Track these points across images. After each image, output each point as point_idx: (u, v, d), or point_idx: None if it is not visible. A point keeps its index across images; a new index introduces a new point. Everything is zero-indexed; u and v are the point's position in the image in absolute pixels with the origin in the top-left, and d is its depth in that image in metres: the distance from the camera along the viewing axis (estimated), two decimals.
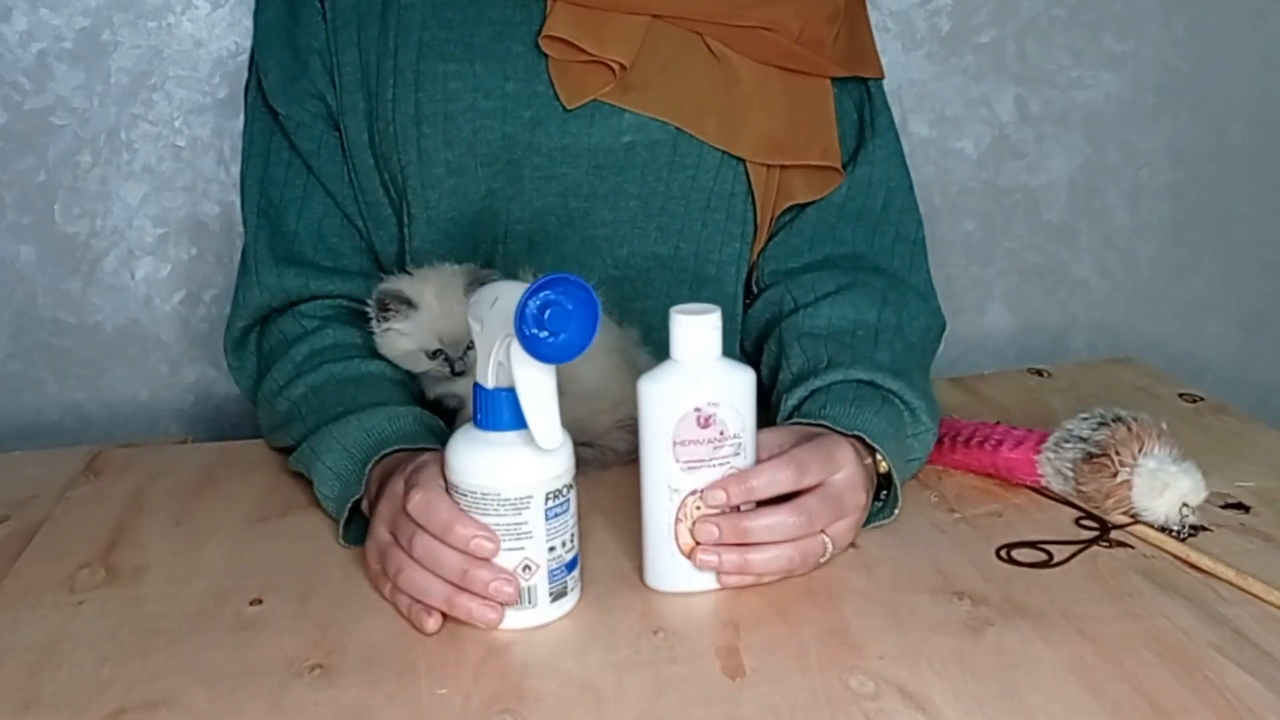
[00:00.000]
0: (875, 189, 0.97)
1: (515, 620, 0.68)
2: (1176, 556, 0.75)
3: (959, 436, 0.87)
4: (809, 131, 0.94)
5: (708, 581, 0.72)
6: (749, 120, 0.92)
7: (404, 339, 0.86)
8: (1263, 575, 0.71)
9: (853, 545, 0.77)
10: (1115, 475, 0.78)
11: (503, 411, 0.66)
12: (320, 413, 0.84)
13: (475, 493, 0.66)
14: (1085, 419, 0.81)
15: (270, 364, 0.91)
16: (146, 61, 1.18)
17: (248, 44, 1.17)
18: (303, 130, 0.93)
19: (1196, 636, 0.66)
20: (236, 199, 1.18)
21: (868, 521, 0.77)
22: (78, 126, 1.18)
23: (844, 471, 0.73)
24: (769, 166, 0.94)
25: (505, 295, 0.64)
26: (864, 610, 0.70)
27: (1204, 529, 0.78)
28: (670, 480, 0.70)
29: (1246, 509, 0.81)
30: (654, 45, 0.89)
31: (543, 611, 0.69)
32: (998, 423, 0.88)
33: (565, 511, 0.68)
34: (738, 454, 0.70)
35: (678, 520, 0.70)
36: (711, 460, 0.69)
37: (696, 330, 0.68)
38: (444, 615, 0.68)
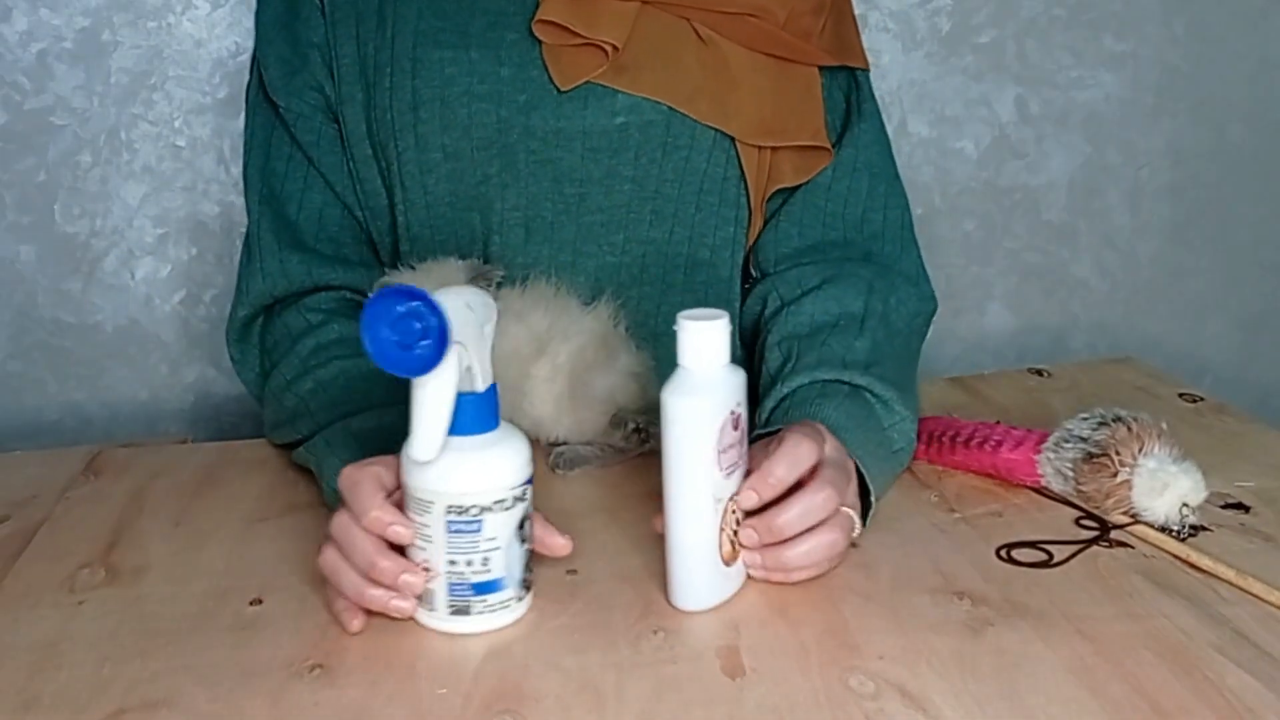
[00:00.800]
0: (860, 172, 0.98)
1: (425, 617, 0.68)
2: (1176, 556, 0.75)
3: (959, 436, 0.87)
4: (799, 116, 0.95)
5: (735, 585, 0.71)
6: (740, 102, 0.93)
7: None
8: (1263, 575, 0.71)
9: (853, 545, 0.77)
10: (1115, 475, 0.78)
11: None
12: (331, 408, 0.84)
13: (402, 481, 0.67)
14: (1085, 419, 0.81)
15: (276, 359, 0.91)
16: (146, 61, 1.18)
17: (248, 44, 1.18)
18: (302, 122, 0.94)
19: (1196, 636, 0.66)
20: (237, 199, 1.19)
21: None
22: (78, 126, 1.18)
23: (829, 442, 0.74)
24: (760, 149, 0.95)
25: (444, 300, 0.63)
26: (864, 610, 0.70)
27: (1204, 529, 0.78)
28: (716, 490, 0.68)
29: (1246, 509, 0.81)
30: (644, 30, 0.91)
31: (439, 620, 0.68)
32: (998, 422, 0.88)
33: (475, 532, 0.66)
34: (746, 449, 0.71)
35: (721, 529, 0.69)
36: (739, 462, 0.69)
37: (715, 336, 0.67)
38: (368, 613, 0.68)
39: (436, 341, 0.62)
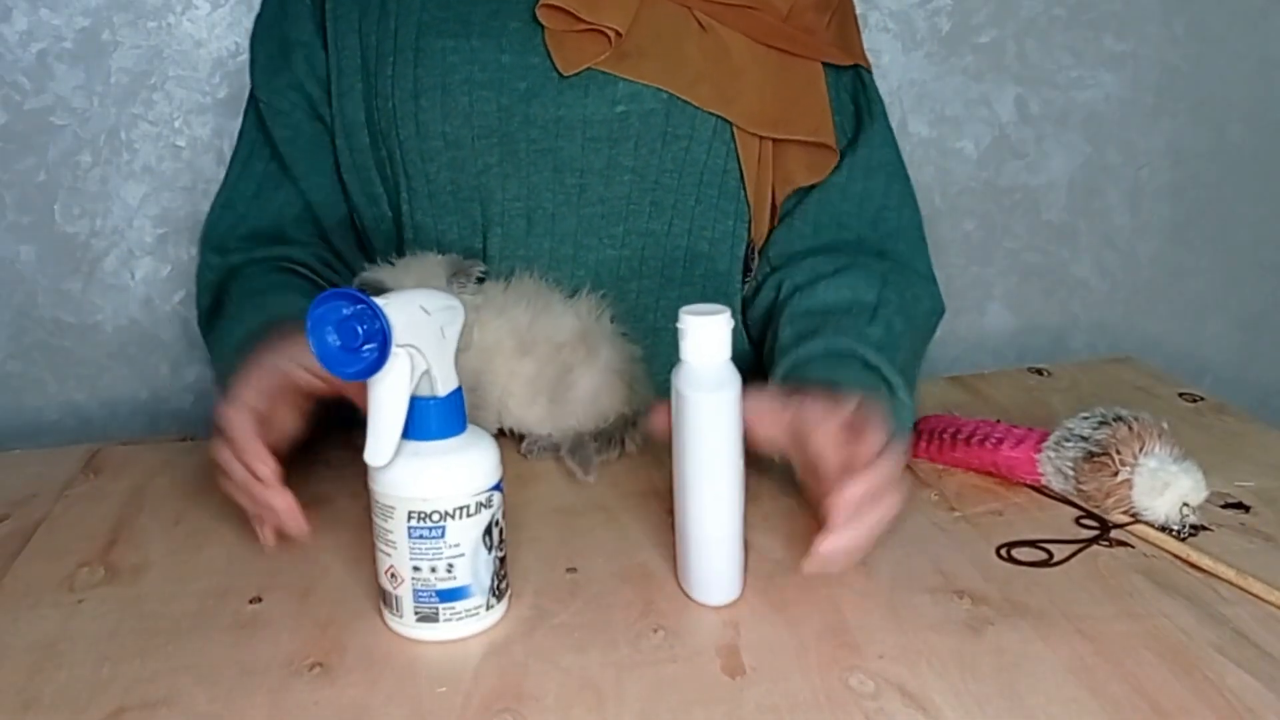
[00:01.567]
0: (875, 172, 0.98)
1: (392, 622, 0.68)
2: (1177, 556, 0.75)
3: (959, 435, 0.87)
4: (800, 109, 0.95)
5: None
6: (741, 91, 0.93)
7: None
8: (1263, 575, 0.71)
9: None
10: (1116, 474, 0.78)
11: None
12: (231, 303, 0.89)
13: (369, 485, 0.67)
14: (1086, 418, 0.81)
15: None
16: (146, 61, 1.18)
17: (248, 44, 1.18)
18: (280, 118, 0.97)
19: (1196, 636, 0.66)
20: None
21: None
22: (78, 126, 1.18)
23: (845, 392, 0.73)
24: (761, 139, 0.95)
25: (392, 303, 0.62)
26: (864, 610, 0.70)
27: (1204, 529, 0.78)
28: (741, 481, 0.69)
29: (1246, 509, 0.81)
30: (646, 17, 0.91)
31: (406, 626, 0.68)
32: (998, 421, 0.88)
33: (437, 538, 0.65)
34: None
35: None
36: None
37: (722, 331, 0.66)
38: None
39: (380, 345, 0.61)
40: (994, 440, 0.85)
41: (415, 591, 0.67)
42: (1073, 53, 1.34)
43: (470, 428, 0.68)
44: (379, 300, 0.61)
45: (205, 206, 1.21)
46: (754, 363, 0.97)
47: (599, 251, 0.95)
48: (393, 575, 0.67)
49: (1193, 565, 0.74)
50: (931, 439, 0.88)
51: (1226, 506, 0.81)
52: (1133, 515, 0.79)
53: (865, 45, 1.02)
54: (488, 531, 0.67)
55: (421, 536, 0.65)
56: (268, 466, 0.71)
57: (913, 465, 0.89)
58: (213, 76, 1.19)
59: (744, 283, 1.00)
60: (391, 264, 0.89)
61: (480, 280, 0.88)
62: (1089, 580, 0.72)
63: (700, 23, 0.92)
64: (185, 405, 1.26)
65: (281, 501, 0.72)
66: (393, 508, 0.65)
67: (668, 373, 0.68)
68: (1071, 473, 0.80)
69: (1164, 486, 0.77)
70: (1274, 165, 1.42)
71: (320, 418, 0.83)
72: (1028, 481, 0.84)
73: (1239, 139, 1.40)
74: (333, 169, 0.98)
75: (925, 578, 0.73)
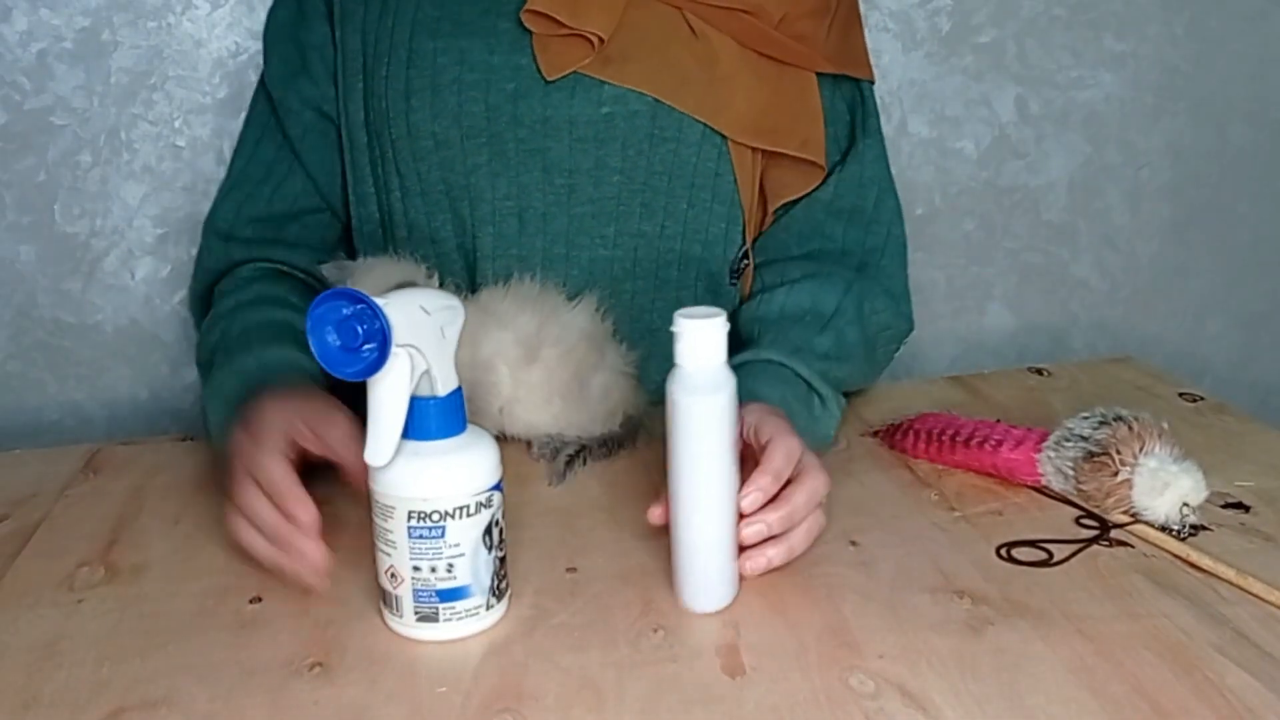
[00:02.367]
0: (866, 188, 0.98)
1: (391, 622, 0.68)
2: (1177, 556, 0.75)
3: (959, 435, 0.87)
4: (790, 120, 0.95)
5: (738, 584, 0.72)
6: (730, 97, 0.93)
7: None
8: (1263, 575, 0.71)
9: (853, 544, 0.77)
10: (1116, 474, 0.78)
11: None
12: (224, 343, 0.88)
13: (369, 485, 0.67)
14: (1086, 418, 0.81)
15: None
16: (146, 61, 1.18)
17: (248, 44, 1.18)
18: (292, 116, 0.98)
19: (1196, 636, 0.66)
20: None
21: None
22: (78, 126, 1.18)
23: (778, 415, 0.75)
24: (752, 150, 0.95)
25: (392, 303, 0.62)
26: (864, 610, 0.70)
27: (1204, 529, 0.78)
28: (733, 488, 0.68)
29: (1246, 509, 0.81)
30: (634, 20, 0.91)
31: (406, 626, 0.68)
32: (998, 421, 0.88)
33: (437, 538, 0.65)
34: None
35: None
36: (738, 458, 0.69)
37: (717, 335, 0.66)
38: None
39: (380, 345, 0.61)
40: (994, 442, 0.85)
41: (415, 591, 0.66)
42: (1073, 53, 1.34)
43: (470, 427, 0.68)
44: (379, 300, 0.61)
45: (205, 206, 1.21)
46: None
47: (591, 251, 0.95)
48: (393, 575, 0.67)
49: (1193, 565, 0.73)
50: (931, 440, 0.88)
51: (1226, 506, 0.81)
52: (1133, 515, 0.79)
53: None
54: (488, 531, 0.67)
55: (421, 536, 0.65)
56: (310, 514, 0.69)
57: (913, 465, 0.89)
58: (213, 76, 1.19)
59: (733, 284, 1.00)
60: (351, 261, 0.92)
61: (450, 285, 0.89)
62: (1089, 580, 0.72)
63: (691, 26, 0.92)
64: (185, 405, 1.26)
65: (316, 551, 0.69)
66: (392, 508, 0.65)
67: (664, 374, 0.68)
68: (1071, 473, 0.80)
69: (1164, 486, 0.77)
70: (1274, 165, 1.42)
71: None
72: (1028, 482, 0.84)
73: (1239, 139, 1.40)
74: (338, 166, 0.99)
75: (925, 578, 0.73)
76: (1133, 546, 0.76)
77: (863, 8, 1.04)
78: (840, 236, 0.98)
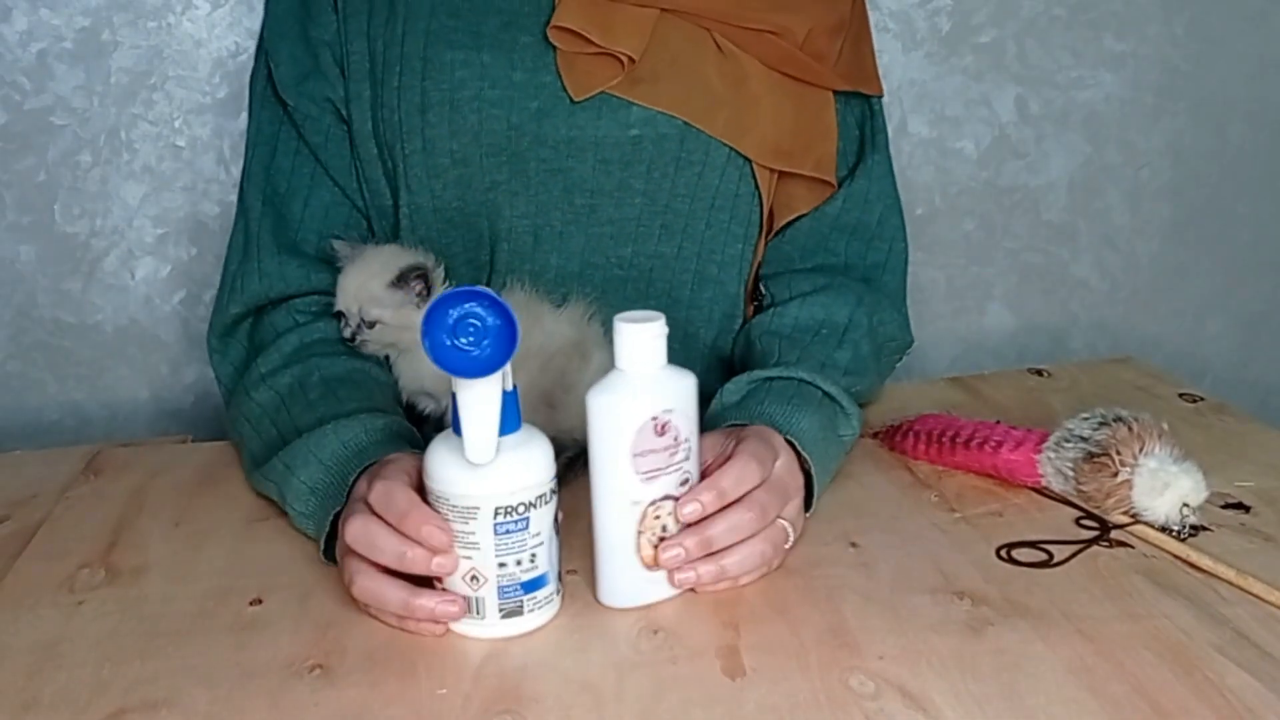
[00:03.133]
0: (872, 204, 0.98)
1: (466, 627, 0.68)
2: (1177, 556, 0.75)
3: (959, 437, 0.87)
4: (807, 140, 0.95)
5: (666, 590, 0.71)
6: (757, 120, 0.92)
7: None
8: (1263, 575, 0.71)
9: (853, 545, 0.77)
10: (1116, 475, 0.78)
11: (457, 415, 0.65)
12: (308, 409, 0.83)
13: (433, 493, 0.66)
14: (1086, 419, 0.81)
15: (256, 353, 0.90)
16: (146, 61, 1.18)
17: (248, 44, 1.18)
18: (310, 123, 0.93)
19: (1196, 636, 0.66)
20: (236, 199, 1.18)
21: None
22: (78, 126, 1.18)
23: (781, 457, 0.74)
24: (770, 170, 0.95)
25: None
26: (864, 610, 0.70)
27: (1204, 529, 0.78)
28: (631, 493, 0.69)
29: (1246, 509, 0.81)
30: (663, 39, 0.89)
31: (490, 626, 0.68)
32: (998, 422, 0.88)
33: (522, 530, 0.66)
34: (688, 458, 0.70)
35: (639, 533, 0.69)
36: (668, 467, 0.69)
37: (645, 339, 0.67)
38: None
39: (507, 341, 0.62)
40: (994, 442, 0.85)
41: (500, 588, 0.67)
42: (1073, 53, 1.34)
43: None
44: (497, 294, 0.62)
45: (205, 206, 1.22)
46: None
47: (606, 271, 0.93)
48: (474, 577, 0.67)
49: (1193, 565, 0.74)
50: (931, 442, 0.88)
51: (1226, 506, 0.81)
52: (1133, 516, 0.79)
53: None
54: (555, 517, 0.68)
55: (508, 531, 0.66)
56: (448, 534, 0.66)
57: (913, 467, 0.89)
58: (213, 76, 1.19)
59: (751, 304, 1.00)
60: (363, 243, 0.89)
61: (424, 282, 0.86)
62: (1089, 581, 0.72)
63: (719, 46, 0.91)
64: (185, 405, 1.26)
65: (451, 565, 0.66)
66: (476, 508, 0.65)
67: None
68: (1071, 473, 0.80)
69: (1164, 487, 0.77)
70: (1274, 165, 1.42)
71: None
72: (1028, 483, 0.84)
73: (1239, 139, 1.40)
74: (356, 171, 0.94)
75: (925, 578, 0.73)
76: (1133, 547, 0.76)
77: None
78: (844, 251, 0.97)
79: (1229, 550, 0.75)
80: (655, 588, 0.71)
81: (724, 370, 0.99)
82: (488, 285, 0.91)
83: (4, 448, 1.07)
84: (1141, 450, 0.78)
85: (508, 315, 0.62)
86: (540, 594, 0.68)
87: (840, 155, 0.97)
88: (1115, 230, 1.41)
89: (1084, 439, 0.80)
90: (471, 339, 0.62)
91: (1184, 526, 0.77)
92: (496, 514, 0.65)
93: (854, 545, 0.77)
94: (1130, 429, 0.78)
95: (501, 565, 0.66)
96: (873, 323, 0.93)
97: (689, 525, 0.70)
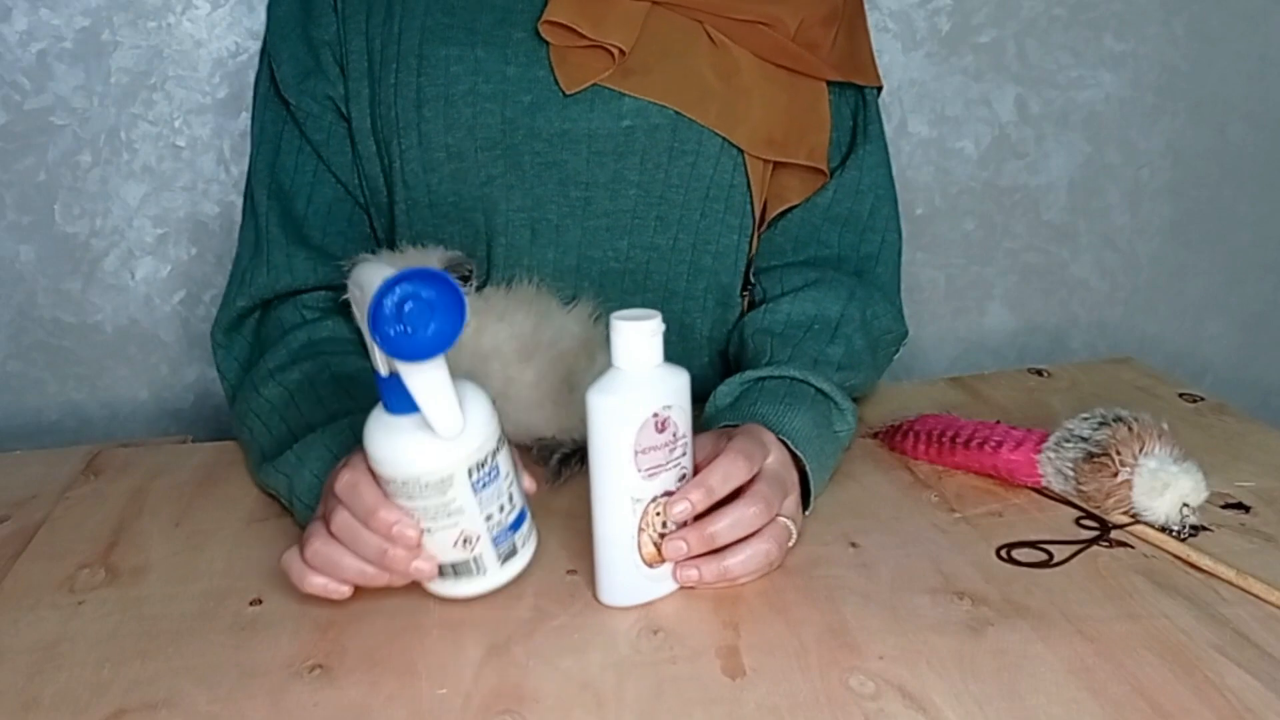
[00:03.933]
0: (863, 194, 0.98)
1: (469, 588, 0.68)
2: (1177, 556, 0.75)
3: (959, 437, 0.87)
4: (800, 131, 0.95)
5: (667, 587, 0.72)
6: (749, 110, 0.92)
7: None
8: (1263, 575, 0.71)
9: (853, 545, 0.77)
10: (1116, 475, 0.78)
11: (403, 395, 0.63)
12: (317, 405, 0.83)
13: (397, 480, 0.65)
14: (1086, 419, 0.81)
15: (264, 349, 0.90)
16: (146, 61, 1.18)
17: (248, 44, 1.18)
18: (312, 121, 0.94)
19: (1196, 636, 0.66)
20: (237, 199, 1.18)
21: None
22: (78, 126, 1.18)
23: (773, 454, 0.74)
24: (763, 161, 0.95)
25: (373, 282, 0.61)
26: (864, 610, 0.70)
27: (1204, 529, 0.78)
28: (633, 491, 0.69)
29: (1246, 509, 0.81)
30: (654, 31, 0.90)
31: (494, 576, 0.68)
32: (998, 422, 0.88)
33: (495, 478, 0.66)
34: (685, 454, 0.70)
35: (640, 530, 0.70)
36: (668, 464, 0.69)
37: (644, 337, 0.67)
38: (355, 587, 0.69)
39: (456, 307, 0.61)
40: (994, 443, 0.85)
41: (494, 539, 0.67)
42: (1073, 53, 1.34)
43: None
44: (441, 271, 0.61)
45: (205, 206, 1.22)
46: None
47: (603, 264, 0.94)
48: (465, 541, 0.67)
49: (1193, 565, 0.74)
50: (931, 442, 0.88)
51: (1226, 506, 0.81)
52: (1133, 516, 0.79)
53: None
54: (507, 446, 0.68)
55: (485, 485, 0.66)
56: (416, 529, 0.66)
57: (912, 467, 0.89)
58: (213, 76, 1.19)
59: (744, 296, 1.00)
60: (389, 251, 0.90)
61: (466, 279, 0.88)
62: (1089, 581, 0.72)
63: (711, 38, 0.91)
64: (185, 405, 1.26)
65: (429, 568, 0.67)
66: (449, 477, 0.65)
67: None
68: (1071, 473, 0.80)
69: (1164, 487, 0.77)
70: (1274, 165, 1.42)
71: None
72: (1028, 483, 0.84)
73: (1239, 139, 1.40)
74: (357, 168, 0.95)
75: (925, 579, 0.73)
76: (1133, 547, 0.77)
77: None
78: (836, 243, 0.98)
79: (1229, 550, 0.75)
80: (655, 585, 0.71)
81: (721, 362, 1.00)
82: (486, 281, 0.92)
83: (4, 448, 1.07)
84: (1141, 450, 0.78)
85: (444, 281, 0.60)
86: (524, 527, 0.69)
87: (834, 146, 0.97)
88: (1115, 230, 1.41)
89: (1084, 439, 0.80)
90: (417, 320, 0.60)
91: (1184, 526, 0.77)
92: (471, 474, 0.65)
93: (854, 545, 0.77)
94: (1130, 429, 0.78)
95: (489, 518, 0.67)
96: (866, 316, 0.93)
97: (684, 524, 0.70)
